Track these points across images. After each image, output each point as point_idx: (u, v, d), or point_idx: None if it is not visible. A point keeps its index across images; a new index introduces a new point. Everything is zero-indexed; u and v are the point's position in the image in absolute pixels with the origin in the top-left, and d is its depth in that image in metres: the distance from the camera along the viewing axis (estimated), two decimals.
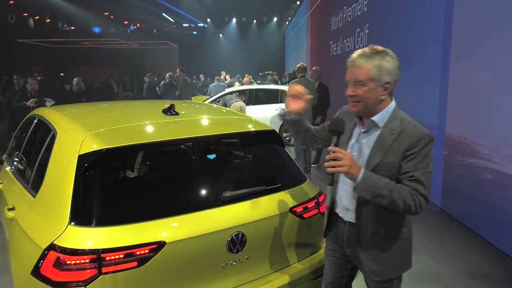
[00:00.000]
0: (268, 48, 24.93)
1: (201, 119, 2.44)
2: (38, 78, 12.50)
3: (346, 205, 1.77)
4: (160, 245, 1.68)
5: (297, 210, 2.12)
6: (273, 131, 2.40)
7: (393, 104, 1.69)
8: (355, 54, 1.64)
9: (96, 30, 21.89)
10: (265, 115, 9.28)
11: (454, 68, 4.31)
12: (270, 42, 25.27)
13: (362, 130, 1.72)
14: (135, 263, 1.64)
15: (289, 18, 23.16)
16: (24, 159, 2.62)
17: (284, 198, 2.12)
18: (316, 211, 2.23)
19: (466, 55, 4.11)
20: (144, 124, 2.19)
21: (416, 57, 5.35)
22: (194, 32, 25.89)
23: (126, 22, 23.38)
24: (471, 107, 4.07)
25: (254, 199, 2.01)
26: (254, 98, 9.60)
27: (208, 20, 25.32)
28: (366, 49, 1.63)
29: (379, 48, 1.64)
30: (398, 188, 1.56)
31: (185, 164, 2.71)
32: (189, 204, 1.90)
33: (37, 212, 1.93)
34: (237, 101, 8.96)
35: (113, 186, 1.99)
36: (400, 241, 1.71)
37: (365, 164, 1.65)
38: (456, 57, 4.28)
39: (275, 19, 25.16)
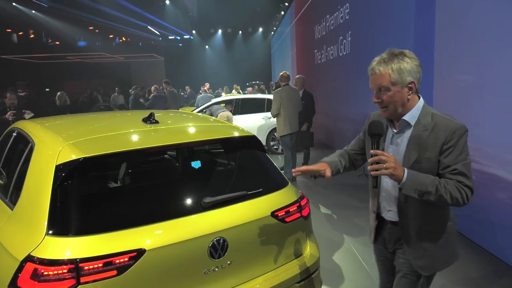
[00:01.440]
0: (254, 58, 25.10)
1: (181, 126, 2.45)
2: (23, 93, 12.39)
3: (386, 206, 1.83)
4: (140, 252, 1.67)
5: (279, 214, 2.13)
6: (254, 136, 2.41)
7: (421, 101, 1.73)
8: (374, 62, 1.69)
9: (81, 44, 21.84)
10: (252, 124, 9.34)
11: (437, 71, 4.39)
12: (256, 52, 25.47)
13: (395, 131, 1.76)
14: (114, 272, 1.63)
15: (274, 28, 23.43)
16: (3, 172, 2.59)
17: (266, 202, 2.13)
18: (298, 215, 2.24)
19: (449, 57, 4.19)
20: (123, 133, 2.19)
21: None
22: (180, 44, 25.98)
23: (111, 36, 23.38)
24: (455, 109, 4.15)
25: (235, 204, 2.01)
26: (241, 107, 9.64)
27: (194, 31, 25.45)
28: (384, 55, 1.68)
29: (396, 51, 1.68)
30: (443, 183, 1.59)
31: (165, 171, 2.71)
32: (169, 211, 1.89)
33: (14, 225, 1.90)
34: (223, 111, 8.97)
35: (92, 195, 1.97)
36: (446, 235, 1.76)
37: (402, 163, 1.69)
38: (439, 60, 4.36)
39: (260, 29, 25.42)
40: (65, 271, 1.57)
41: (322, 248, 3.87)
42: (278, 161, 7.08)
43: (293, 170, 1.89)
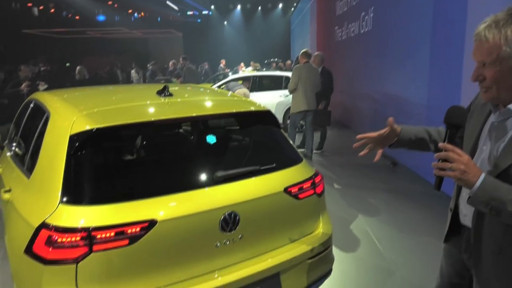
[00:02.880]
0: (273, 35, 24.67)
1: (195, 99, 2.42)
2: (44, 68, 12.54)
3: (463, 209, 1.47)
4: (152, 223, 1.68)
5: (292, 191, 2.10)
6: (269, 112, 2.37)
7: None
8: (482, 25, 1.25)
9: (100, 18, 21.85)
10: (269, 102, 9.23)
11: (468, 46, 4.15)
12: (275, 29, 25.00)
13: (497, 119, 1.35)
14: (126, 241, 1.64)
15: (294, 4, 22.86)
16: (21, 142, 2.63)
17: (279, 178, 2.10)
18: (312, 191, 2.21)
19: None
20: (136, 105, 2.18)
21: (423, 40, 5.24)
22: (198, 20, 25.70)
23: (130, 11, 23.28)
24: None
25: (248, 179, 2.00)
26: (258, 84, 9.55)
27: (212, 7, 25.08)
28: (499, 14, 1.23)
29: None
30: None
31: (179, 145, 2.71)
32: (181, 183, 1.89)
33: (30, 193, 1.94)
34: (240, 87, 8.90)
35: (105, 165, 1.99)
36: None
37: (491, 164, 1.31)
38: (470, 34, 4.12)
39: (280, 5, 24.84)
40: (78, 238, 1.59)
41: (335, 226, 3.85)
42: (296, 140, 7.02)
43: (357, 136, 1.57)
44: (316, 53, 7.29)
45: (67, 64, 20.99)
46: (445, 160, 1.23)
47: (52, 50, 23.66)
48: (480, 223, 1.37)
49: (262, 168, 2.06)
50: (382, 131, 1.56)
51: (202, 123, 2.65)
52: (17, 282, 1.82)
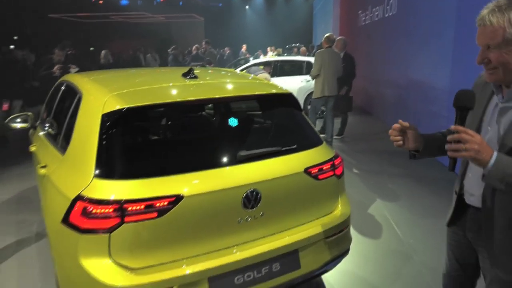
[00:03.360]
0: (295, 20, 24.36)
1: (219, 82, 2.50)
2: (69, 52, 12.85)
3: (470, 189, 1.53)
4: (178, 198, 1.78)
5: (312, 171, 2.16)
6: (291, 94, 2.42)
7: None
8: (485, 10, 1.32)
9: (124, 2, 22.04)
10: (290, 87, 9.18)
11: None
12: (298, 14, 24.66)
13: (502, 100, 1.40)
14: (155, 214, 1.75)
15: None
16: (54, 121, 2.77)
17: (299, 159, 2.16)
18: (331, 173, 2.27)
19: None
20: (163, 86, 2.27)
21: (447, 25, 5.13)
22: (220, 4, 25.59)
23: None
24: None
25: (270, 159, 2.07)
26: (279, 69, 9.54)
27: None
28: (501, 0, 1.30)
29: None
30: None
31: (204, 125, 2.80)
32: (206, 162, 1.98)
33: (65, 168, 2.07)
34: (262, 72, 8.92)
35: (135, 143, 2.10)
36: None
37: (499, 143, 1.37)
38: None
39: None
40: (111, 210, 1.71)
41: (354, 210, 3.90)
42: (316, 126, 7.03)
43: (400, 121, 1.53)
44: (338, 37, 7.21)
45: (91, 48, 21.36)
46: (457, 141, 1.26)
47: (76, 34, 24.07)
48: (490, 201, 1.42)
49: (283, 149, 2.13)
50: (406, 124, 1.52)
51: (226, 105, 2.73)
52: (55, 250, 1.96)
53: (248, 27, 24.90)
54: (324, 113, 6.82)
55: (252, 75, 2.97)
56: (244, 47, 17.27)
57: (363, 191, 4.58)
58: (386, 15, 8.28)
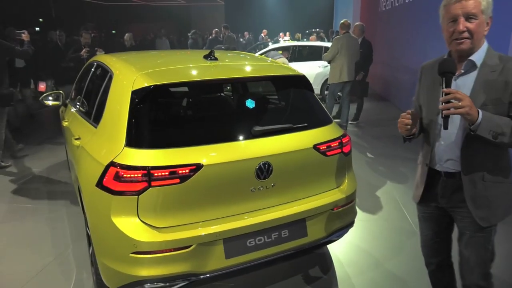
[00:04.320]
0: (316, 5, 24.06)
1: (238, 64, 2.68)
2: (92, 35, 13.18)
3: (444, 155, 1.73)
4: (198, 166, 1.99)
5: (321, 148, 2.34)
6: (304, 76, 2.59)
7: (486, 43, 1.65)
8: None
9: None
10: (307, 72, 9.25)
11: None
12: None
13: (461, 71, 1.66)
14: (177, 180, 1.97)
15: None
16: (86, 98, 3.02)
17: (309, 136, 2.34)
18: (339, 150, 2.44)
19: None
20: (187, 67, 2.48)
21: None
22: None
23: None
24: None
25: (282, 135, 2.26)
26: (298, 55, 9.62)
27: None
28: None
29: None
30: None
31: (222, 102, 3.00)
32: (224, 135, 2.18)
33: (99, 139, 2.31)
34: (280, 57, 9.02)
35: (160, 117, 2.31)
36: (506, 184, 1.70)
37: None
38: None
39: None
40: (139, 175, 1.93)
41: (365, 191, 4.10)
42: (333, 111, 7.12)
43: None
44: (356, 23, 7.26)
45: (113, 31, 21.73)
46: (447, 102, 1.49)
47: (99, 17, 24.48)
48: (470, 157, 1.66)
49: (294, 126, 2.31)
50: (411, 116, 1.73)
51: (243, 85, 2.92)
52: (89, 211, 2.22)
53: (269, 12, 24.74)
54: (340, 98, 6.93)
55: (270, 59, 3.14)
56: (265, 32, 17.27)
57: (375, 173, 4.73)
58: (407, 1, 8.22)
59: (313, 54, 9.55)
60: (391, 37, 9.53)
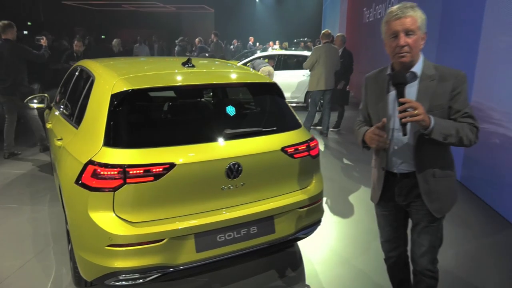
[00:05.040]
0: (305, 14, 24.48)
1: (213, 71, 2.85)
2: (86, 41, 13.28)
3: (398, 159, 1.91)
4: (171, 165, 2.14)
5: (288, 150, 2.51)
6: (275, 84, 2.77)
7: (422, 55, 1.85)
8: (399, 7, 1.75)
9: None
10: (292, 81, 9.56)
11: (484, 37, 4.22)
12: (308, 8, 24.78)
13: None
14: (151, 178, 2.12)
15: None
16: (69, 101, 3.15)
17: (278, 139, 2.51)
18: (306, 153, 2.61)
19: (496, 18, 3.99)
20: (164, 73, 2.64)
21: (446, 24, 5.39)
22: None
23: None
24: (495, 72, 4.02)
25: (251, 138, 2.42)
26: (283, 63, 9.84)
27: None
28: (406, 3, 1.76)
29: (412, 3, 1.78)
30: (460, 126, 1.74)
31: (196, 105, 3.16)
32: (197, 137, 2.34)
33: (79, 139, 2.45)
34: (265, 65, 9.24)
35: (137, 119, 2.46)
36: (451, 178, 1.94)
37: None
38: (487, 21, 4.17)
39: None
40: (115, 172, 2.08)
41: (338, 194, 4.29)
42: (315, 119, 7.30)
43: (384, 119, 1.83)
44: (338, 34, 7.52)
45: (103, 37, 21.78)
46: (404, 111, 1.66)
47: (89, 22, 24.50)
48: (422, 157, 1.86)
49: (264, 129, 2.48)
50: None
51: (218, 90, 3.08)
52: (68, 207, 2.34)
53: (258, 20, 25.13)
54: (322, 106, 7.14)
55: (249, 67, 3.32)
56: (251, 40, 17.57)
57: (351, 178, 4.93)
58: None
59: (298, 63, 9.78)
60: (374, 48, 9.83)
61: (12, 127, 5.51)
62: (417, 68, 1.82)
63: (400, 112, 1.67)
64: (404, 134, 1.75)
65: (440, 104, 1.78)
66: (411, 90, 1.81)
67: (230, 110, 2.61)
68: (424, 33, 1.78)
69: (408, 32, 1.73)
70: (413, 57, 1.78)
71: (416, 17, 1.73)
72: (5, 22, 5.27)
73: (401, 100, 1.68)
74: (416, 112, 1.64)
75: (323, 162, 5.40)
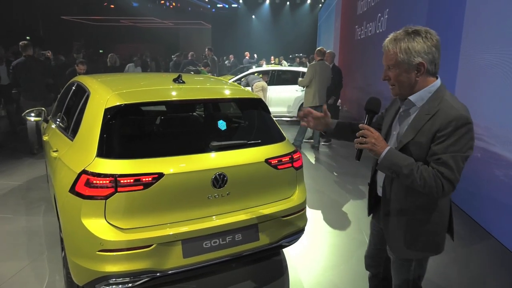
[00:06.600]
0: (300, 31, 24.98)
1: (202, 87, 3.02)
2: (81, 55, 13.50)
3: (378, 181, 1.89)
4: (160, 175, 2.28)
5: (272, 162, 2.66)
6: (261, 99, 2.93)
7: (436, 83, 1.67)
8: (387, 39, 1.69)
9: (134, 4, 22.78)
10: (285, 96, 9.77)
11: (463, 54, 4.44)
12: (303, 24, 25.29)
13: (402, 108, 1.77)
14: (141, 187, 2.25)
15: (322, 0, 23.09)
16: (65, 115, 3.30)
17: (262, 151, 2.66)
18: (289, 165, 2.76)
19: (476, 36, 4.20)
20: (156, 88, 2.80)
21: None
22: (227, 12, 26.31)
23: (162, 1, 24.13)
24: (475, 88, 4.20)
25: (237, 150, 2.58)
26: (276, 78, 10.07)
27: (241, 1, 25.62)
28: (398, 32, 1.66)
29: (410, 29, 1.64)
30: (421, 169, 1.57)
31: (185, 119, 3.32)
32: (185, 148, 2.48)
33: (74, 150, 2.59)
34: (259, 81, 9.45)
35: (129, 131, 2.61)
36: (429, 224, 1.73)
37: (397, 141, 1.73)
38: (466, 39, 4.39)
39: (308, 1, 25.11)
40: (107, 181, 2.21)
41: (327, 206, 4.44)
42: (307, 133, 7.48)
43: (306, 110, 2.00)
44: (328, 51, 7.74)
45: (101, 51, 22.09)
46: (362, 136, 1.66)
47: (87, 36, 24.85)
48: (388, 188, 1.80)
49: (248, 142, 2.64)
50: (318, 114, 2.01)
51: (209, 105, 3.25)
52: (62, 214, 2.47)
53: (255, 36, 25.56)
54: None
55: (231, 82, 3.49)
56: (247, 55, 17.87)
57: (340, 190, 5.07)
58: (378, 31, 8.81)
59: (291, 78, 10.01)
60: (365, 65, 10.10)
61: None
62: (416, 98, 1.69)
63: (357, 137, 1.68)
64: (356, 159, 1.78)
65: (421, 142, 1.63)
66: (408, 119, 1.73)
67: (218, 123, 2.76)
68: (418, 63, 1.62)
69: (389, 67, 1.70)
70: (400, 90, 1.71)
71: (395, 50, 1.63)
72: (25, 42, 6.31)
73: (360, 126, 1.69)
74: (365, 140, 1.64)
75: (314, 174, 5.60)
